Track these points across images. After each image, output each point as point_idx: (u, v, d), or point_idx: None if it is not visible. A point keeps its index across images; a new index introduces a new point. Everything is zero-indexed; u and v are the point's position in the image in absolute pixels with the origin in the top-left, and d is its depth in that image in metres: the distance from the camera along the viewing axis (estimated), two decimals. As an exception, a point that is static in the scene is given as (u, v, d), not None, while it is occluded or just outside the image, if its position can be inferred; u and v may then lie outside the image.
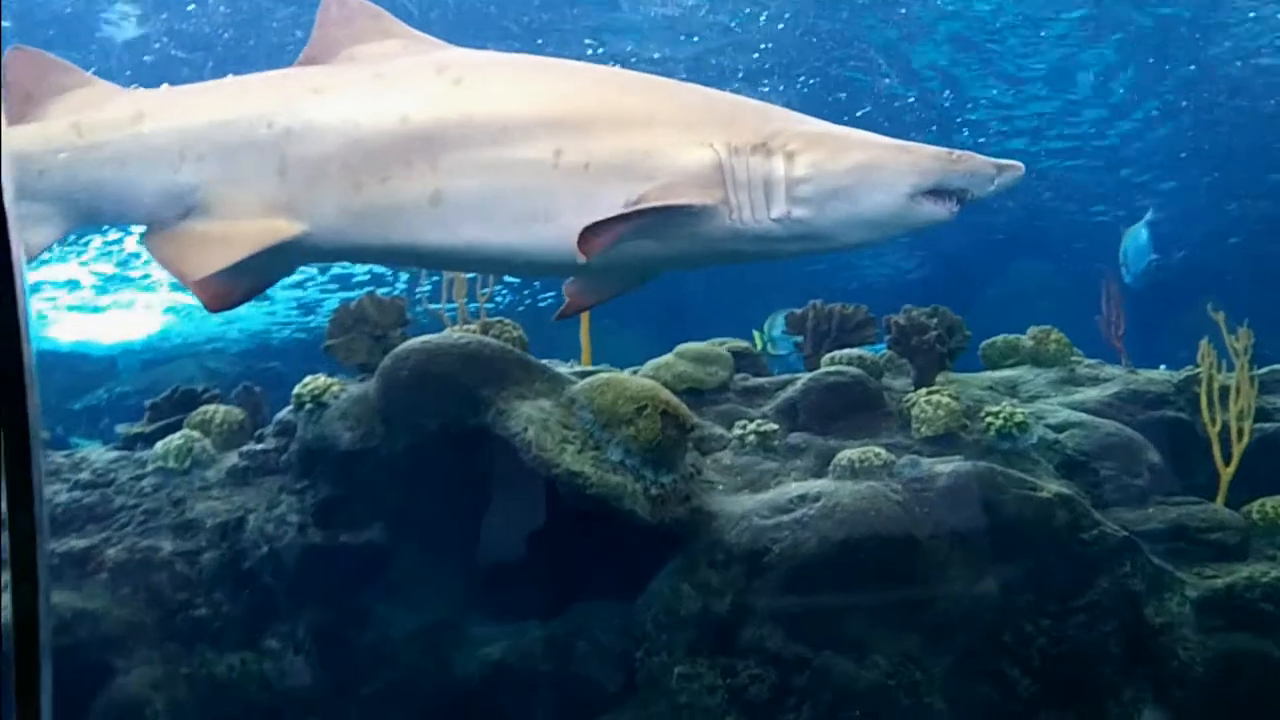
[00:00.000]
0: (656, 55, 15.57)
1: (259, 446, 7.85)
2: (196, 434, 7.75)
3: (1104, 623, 7.07)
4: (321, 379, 7.64)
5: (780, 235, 4.83)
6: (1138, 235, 18.92)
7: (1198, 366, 8.58)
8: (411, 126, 4.85)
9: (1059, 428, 8.10)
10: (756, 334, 13.37)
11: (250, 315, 28.54)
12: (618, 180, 4.71)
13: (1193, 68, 17.61)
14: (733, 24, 15.33)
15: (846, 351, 8.74)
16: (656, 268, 5.35)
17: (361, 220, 4.89)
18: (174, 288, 25.05)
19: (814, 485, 7.22)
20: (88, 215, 5.24)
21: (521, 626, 7.38)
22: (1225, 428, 8.14)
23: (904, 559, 6.95)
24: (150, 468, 7.60)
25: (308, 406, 7.58)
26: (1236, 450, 8.06)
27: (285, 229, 4.87)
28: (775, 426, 7.94)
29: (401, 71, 5.12)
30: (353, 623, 7.44)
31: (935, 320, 8.99)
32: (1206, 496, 7.97)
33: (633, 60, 15.41)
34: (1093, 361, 9.61)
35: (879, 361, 8.81)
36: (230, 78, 5.58)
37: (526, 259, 4.97)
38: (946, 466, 7.26)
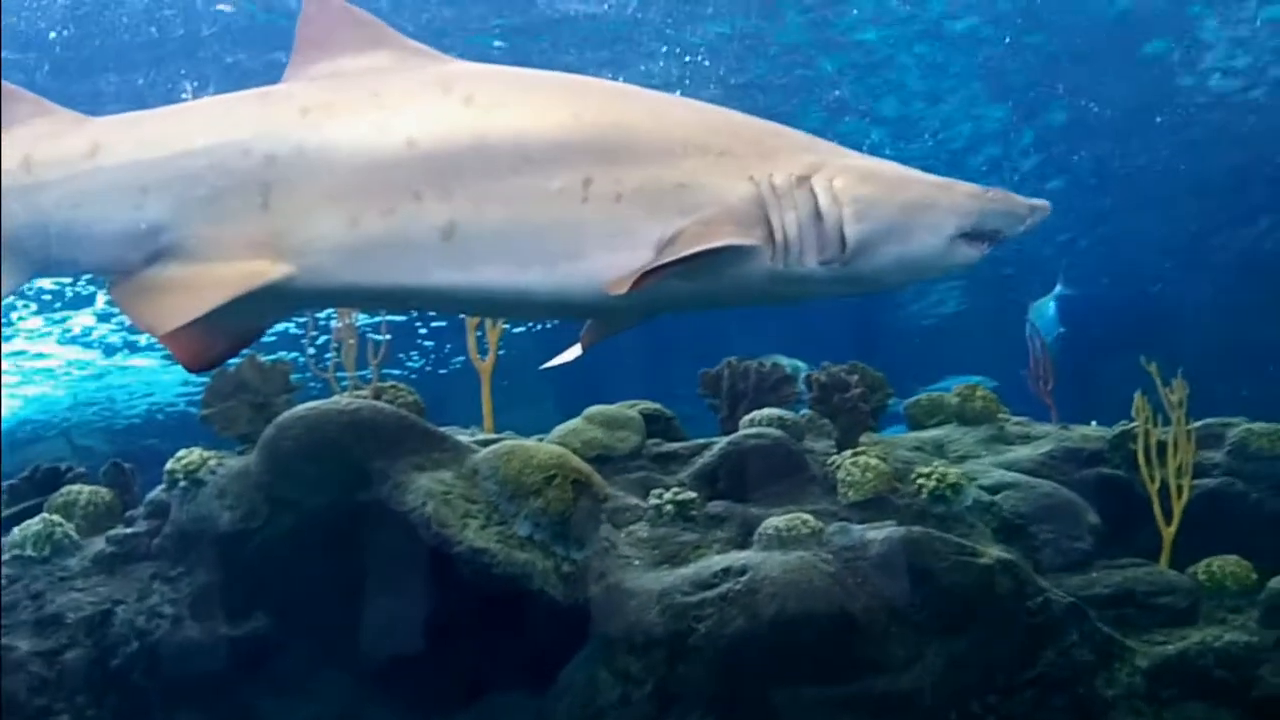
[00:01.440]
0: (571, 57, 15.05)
1: (128, 530, 7.20)
2: (58, 518, 7.08)
3: (1054, 697, 6.66)
4: (197, 453, 7.04)
5: (822, 278, 4.37)
6: (1045, 309, 18.83)
7: (1132, 421, 8.25)
8: (419, 152, 4.20)
9: (993, 489, 7.74)
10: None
11: (129, 386, 27.80)
12: (651, 214, 4.20)
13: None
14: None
15: (766, 412, 8.29)
16: (679, 309, 4.83)
17: (359, 259, 4.20)
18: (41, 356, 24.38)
19: (739, 557, 6.73)
20: (43, 265, 4.46)
21: (424, 723, 6.79)
22: (1164, 485, 7.78)
23: (840, 635, 6.46)
24: (5, 557, 6.88)
25: (182, 484, 6.97)
26: (1177, 508, 7.73)
27: (268, 271, 4.16)
28: (694, 494, 7.46)
29: (403, 88, 4.46)
30: (233, 723, 6.78)
31: (856, 377, 8.61)
32: (1149, 557, 7.65)
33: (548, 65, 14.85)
34: (1021, 419, 9.30)
35: (800, 422, 8.38)
36: (201, 99, 4.80)
37: (548, 300, 4.35)
38: (879, 533, 6.81)
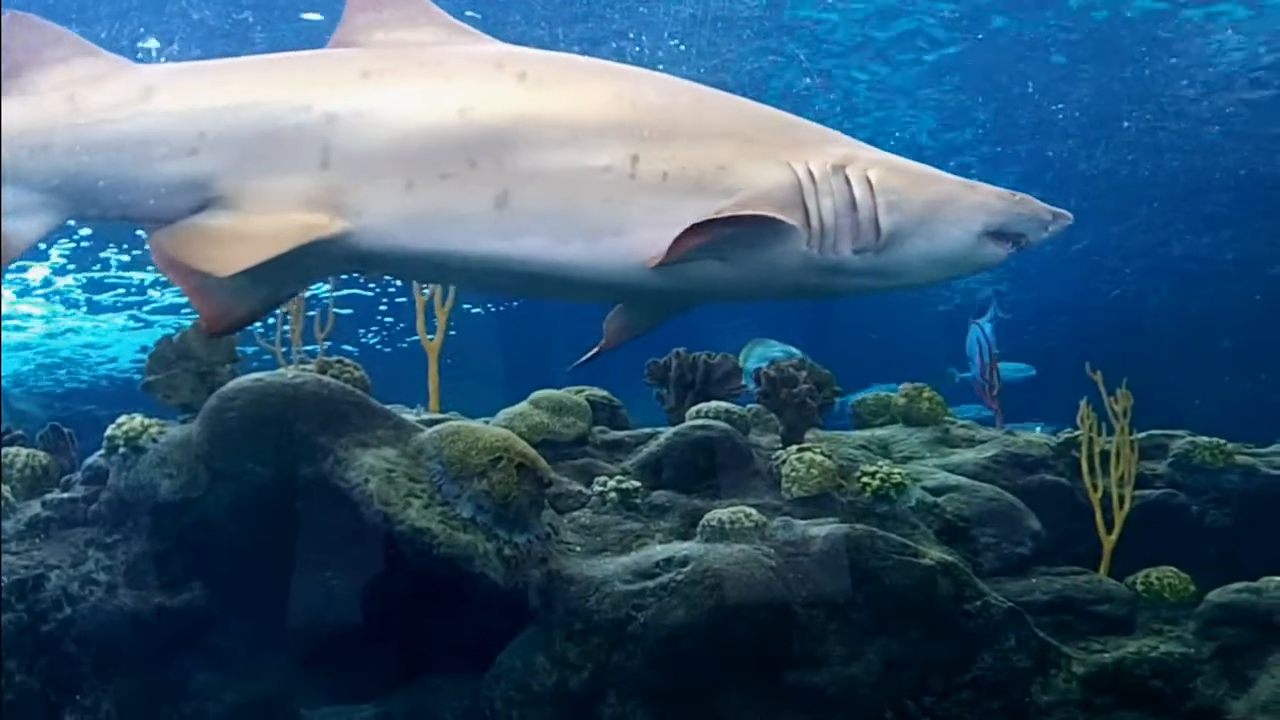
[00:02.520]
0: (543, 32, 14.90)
1: (65, 495, 7.10)
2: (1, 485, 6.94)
3: (990, 700, 6.68)
4: (138, 420, 6.92)
5: (852, 268, 4.46)
6: (978, 333, 18.82)
7: (1076, 429, 8.27)
8: (475, 121, 4.27)
9: (937, 490, 7.73)
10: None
11: (69, 352, 27.49)
12: (694, 195, 4.27)
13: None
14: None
15: (713, 404, 8.24)
16: (711, 297, 4.86)
17: (414, 222, 4.26)
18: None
19: (681, 548, 6.69)
20: (82, 206, 4.43)
21: (358, 704, 6.74)
22: (1106, 494, 7.81)
23: (779, 630, 6.46)
24: (-66, 517, 6.76)
25: (122, 450, 6.86)
26: (1119, 518, 7.75)
27: (326, 225, 4.20)
28: (638, 484, 7.41)
29: (458, 61, 4.55)
30: (166, 696, 6.73)
31: (805, 373, 8.59)
32: (1089, 566, 7.66)
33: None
34: (966, 421, 9.30)
35: (746, 416, 8.34)
36: (255, 57, 4.77)
37: (588, 276, 4.39)
38: (822, 530, 6.80)
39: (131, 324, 25.00)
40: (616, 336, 5.20)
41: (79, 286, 22.55)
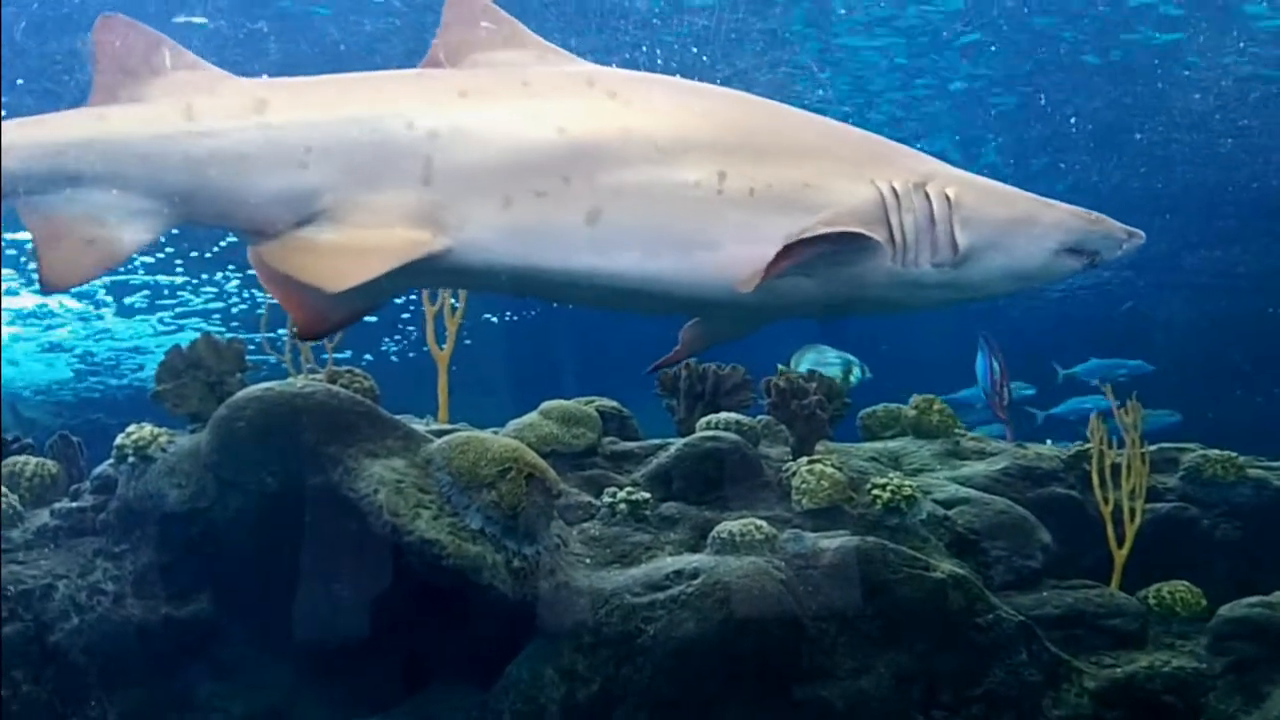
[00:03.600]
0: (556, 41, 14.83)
1: (74, 504, 7.07)
2: (2, 489, 6.92)
3: (1000, 714, 6.66)
4: (147, 429, 6.91)
5: (932, 282, 4.59)
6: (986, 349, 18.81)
7: (1087, 442, 8.23)
8: (569, 139, 4.37)
9: (947, 503, 7.70)
10: (781, 368, 12.80)
11: (78, 360, 27.55)
12: (781, 211, 4.38)
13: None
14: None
15: (724, 415, 8.21)
16: (794, 311, 4.93)
17: (510, 238, 4.35)
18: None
19: (691, 560, 6.67)
20: (189, 214, 4.46)
21: (364, 715, 6.69)
22: (1118, 507, 7.77)
23: (789, 643, 6.43)
24: (-56, 526, 6.74)
25: (130, 459, 6.84)
26: (1130, 531, 7.71)
27: (429, 242, 4.28)
28: (647, 495, 7.40)
29: (550, 81, 4.63)
30: (172, 706, 6.69)
31: (814, 384, 8.57)
32: (1099, 579, 7.63)
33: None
34: (976, 434, 9.27)
35: (756, 427, 8.31)
36: (359, 73, 4.84)
37: (678, 290, 4.49)
38: (832, 542, 6.78)
39: (161, 326, 25.11)
40: (692, 345, 5.31)
41: (103, 288, 22.64)
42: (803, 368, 12.55)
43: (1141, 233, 4.95)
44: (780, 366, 11.78)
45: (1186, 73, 16.17)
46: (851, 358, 13.09)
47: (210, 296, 23.18)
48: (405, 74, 4.76)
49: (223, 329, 24.11)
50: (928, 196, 4.53)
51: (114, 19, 4.61)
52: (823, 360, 12.86)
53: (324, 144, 4.35)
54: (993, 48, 15.63)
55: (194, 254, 20.82)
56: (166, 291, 22.98)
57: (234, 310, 23.66)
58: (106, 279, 21.69)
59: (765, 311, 4.87)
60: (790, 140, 4.65)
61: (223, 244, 20.13)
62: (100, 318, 24.35)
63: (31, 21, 13.46)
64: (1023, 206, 4.75)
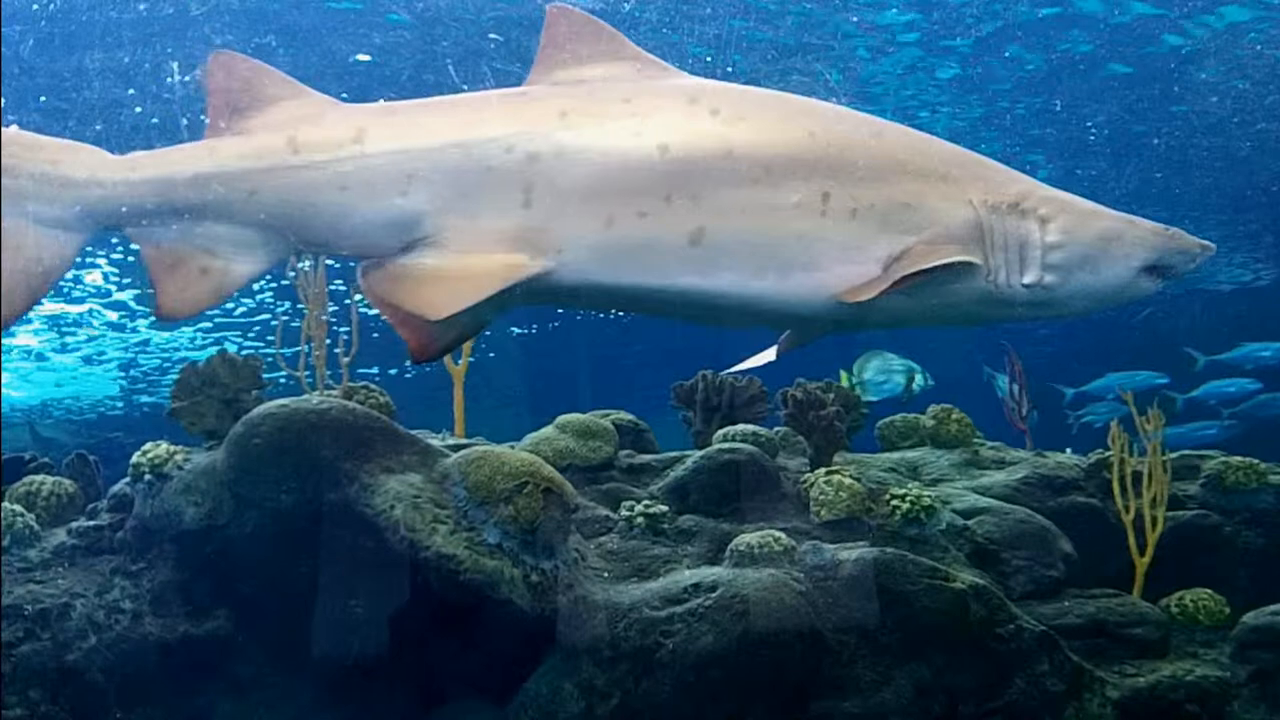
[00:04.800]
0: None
1: (90, 523, 7.05)
2: (19, 508, 6.91)
3: (1022, 727, 6.56)
4: (163, 447, 6.90)
5: (1023, 300, 4.71)
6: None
7: (1107, 450, 8.18)
8: (671, 159, 4.40)
9: (967, 513, 7.64)
10: (844, 375, 12.79)
11: (95, 380, 27.61)
12: (882, 231, 4.49)
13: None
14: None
15: (740, 427, 8.17)
16: (886, 325, 5.05)
17: (612, 259, 4.40)
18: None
19: (709, 573, 6.64)
20: (300, 242, 4.57)
21: (382, 732, 6.67)
22: (1139, 515, 7.71)
23: (808, 655, 6.40)
24: (-38, 546, 6.72)
25: (147, 478, 6.84)
26: (1151, 539, 7.65)
27: (529, 265, 4.34)
28: (665, 508, 7.36)
29: (652, 97, 4.66)
30: (190, 725, 6.65)
31: (832, 395, 8.53)
32: (1121, 588, 7.56)
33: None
34: (996, 444, 9.21)
35: (774, 439, 8.27)
36: (453, 96, 4.99)
37: (778, 308, 4.57)
38: (851, 553, 6.74)
39: (202, 339, 25.23)
40: (785, 349, 5.43)
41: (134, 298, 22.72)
42: (867, 375, 12.55)
43: (1213, 245, 5.00)
44: (841, 372, 11.80)
45: (1204, 76, 16.09)
46: (914, 365, 13.07)
47: (249, 309, 23.21)
48: (505, 95, 4.80)
49: (259, 344, 24.23)
50: (1022, 216, 4.62)
51: (224, 55, 4.74)
52: (887, 368, 12.85)
53: (425, 169, 4.42)
54: (1006, 54, 15.57)
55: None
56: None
57: (273, 324, 23.81)
58: (136, 290, 21.79)
59: (860, 326, 4.98)
60: (890, 159, 4.67)
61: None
62: (136, 330, 24.43)
63: (39, 39, 13.49)
64: (1109, 224, 4.80)
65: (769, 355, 5.50)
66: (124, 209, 4.35)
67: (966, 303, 4.70)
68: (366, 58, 14.38)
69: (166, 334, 24.97)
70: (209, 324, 24.38)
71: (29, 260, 4.31)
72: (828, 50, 15.35)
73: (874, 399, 12.62)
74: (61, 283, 20.89)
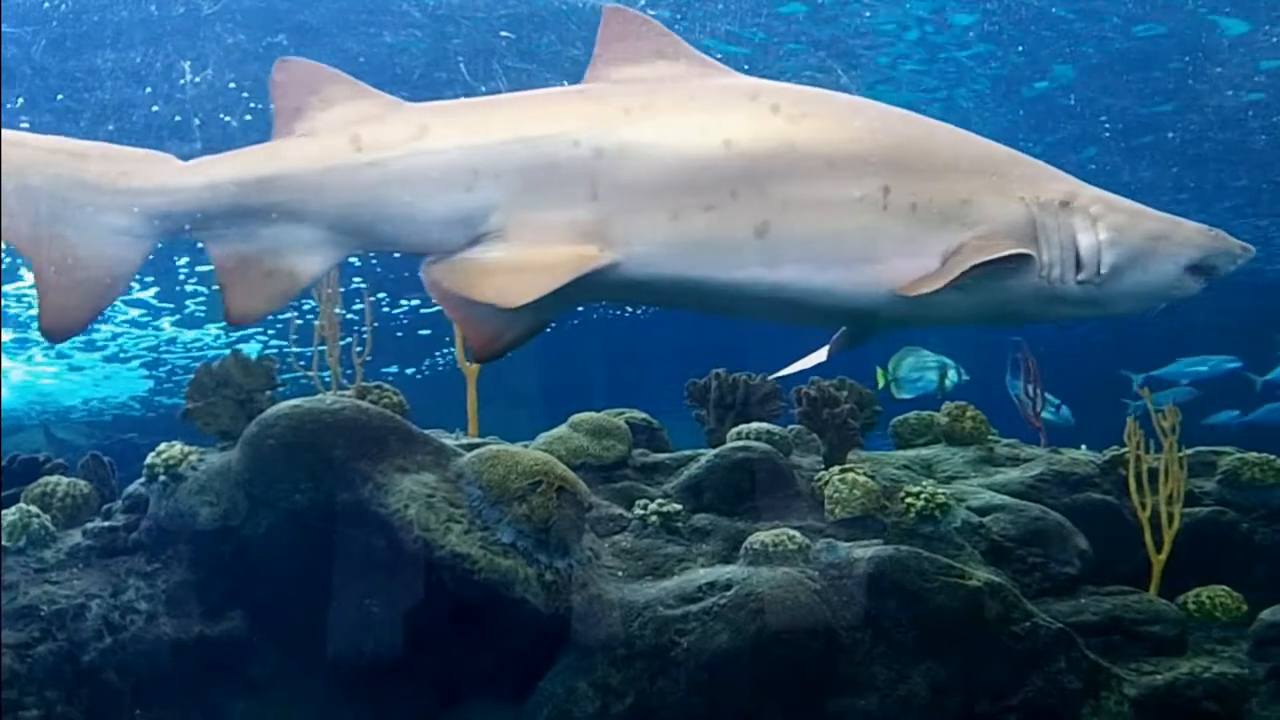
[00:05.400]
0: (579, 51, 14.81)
1: (106, 524, 7.03)
2: (35, 509, 6.90)
3: (1039, 725, 6.54)
4: (178, 447, 6.90)
5: (1072, 298, 4.80)
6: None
7: (1123, 447, 8.15)
8: (736, 153, 4.49)
9: (982, 510, 7.61)
10: (880, 372, 12.76)
11: (111, 381, 27.69)
12: (940, 226, 4.59)
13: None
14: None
15: (754, 425, 8.15)
16: (941, 322, 5.17)
17: (678, 251, 4.48)
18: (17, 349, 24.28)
19: (724, 571, 6.62)
20: (364, 241, 4.65)
21: (397, 732, 6.65)
22: (1155, 512, 7.68)
23: (824, 654, 6.38)
24: (-23, 547, 6.71)
25: (161, 478, 6.83)
26: (1167, 536, 7.62)
27: (599, 256, 4.41)
28: (679, 506, 7.34)
29: (714, 95, 4.76)
30: (206, 725, 6.65)
31: (845, 393, 8.52)
32: (1137, 585, 7.53)
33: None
34: (1010, 440, 9.18)
35: (788, 437, 8.25)
36: (515, 94, 5.06)
37: (840, 301, 4.66)
38: (866, 551, 6.71)
39: (227, 336, 25.30)
40: (836, 349, 5.55)
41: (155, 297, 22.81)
42: (902, 372, 12.52)
43: (1252, 247, 5.08)
44: (877, 369, 11.76)
45: (1219, 69, 16.02)
46: (948, 360, 13.04)
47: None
48: (567, 91, 4.95)
49: (283, 342, 24.31)
50: (1073, 213, 4.70)
51: (289, 61, 4.82)
52: (921, 364, 12.82)
53: (490, 165, 4.48)
54: (1020, 47, 15.52)
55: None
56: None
57: (298, 322, 23.90)
58: (158, 287, 21.89)
59: (914, 322, 5.10)
60: (946, 157, 4.78)
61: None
62: (159, 329, 24.50)
63: (51, 39, 13.50)
64: (1157, 223, 4.89)
65: (819, 356, 5.60)
66: (190, 214, 4.41)
67: (1019, 299, 4.78)
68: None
69: (193, 332, 25.06)
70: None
71: (98, 269, 4.37)
72: (839, 44, 15.35)
73: (909, 396, 12.62)
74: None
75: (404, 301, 24.61)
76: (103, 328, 24.31)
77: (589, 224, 4.43)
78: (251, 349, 23.91)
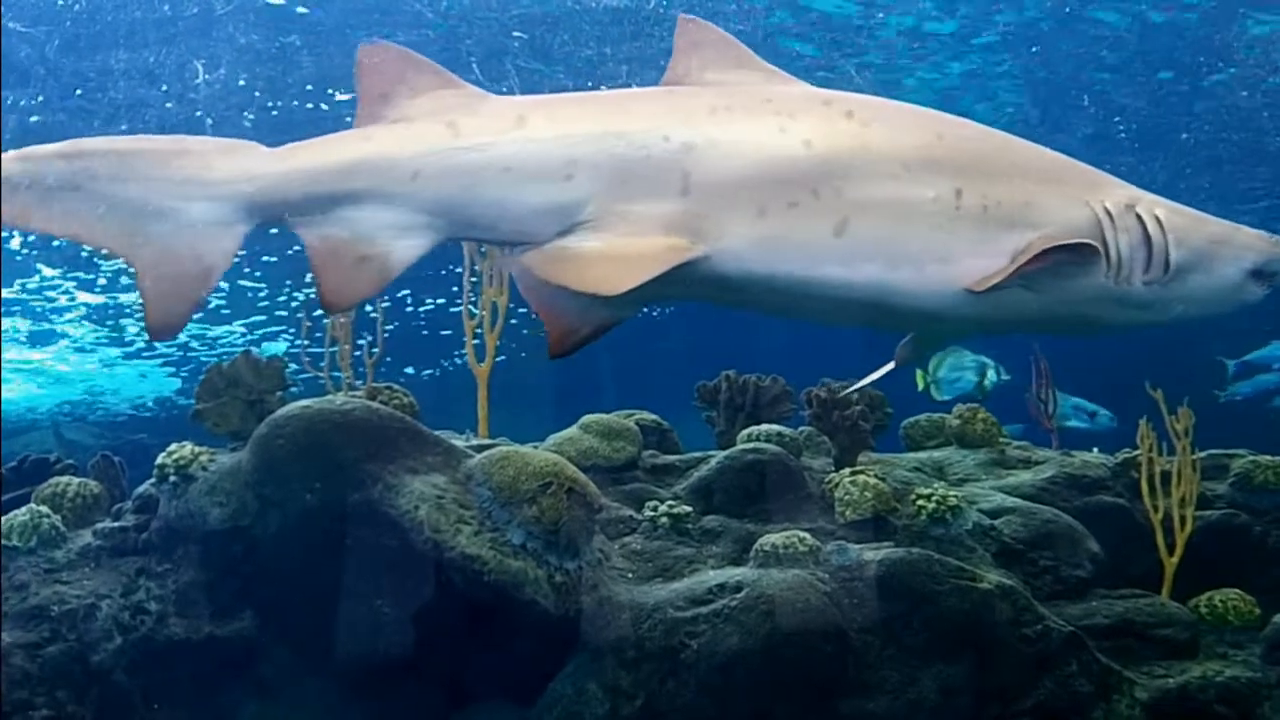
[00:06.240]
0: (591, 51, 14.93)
1: (116, 524, 7.06)
2: (45, 509, 6.92)
3: (1050, 728, 6.51)
4: (188, 448, 6.91)
5: (1139, 301, 4.88)
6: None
7: (1135, 449, 8.11)
8: (816, 153, 4.59)
9: (993, 513, 7.57)
10: (920, 374, 12.75)
11: (121, 381, 27.74)
12: (1009, 227, 4.67)
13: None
14: None
15: (765, 427, 8.14)
16: (1008, 326, 5.22)
17: (762, 247, 4.54)
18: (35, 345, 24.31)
19: (734, 573, 6.62)
20: (459, 227, 4.64)
21: (406, 734, 6.65)
22: (1167, 515, 7.65)
23: (834, 656, 6.36)
24: (-11, 546, 6.72)
25: (172, 479, 6.84)
26: (1180, 539, 7.58)
27: (691, 249, 4.46)
28: (689, 508, 7.34)
29: (790, 98, 4.84)
30: (215, 726, 6.66)
31: (856, 395, 8.49)
32: (1148, 588, 7.49)
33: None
34: (1022, 443, 9.14)
35: (798, 439, 8.23)
36: (597, 92, 5.17)
37: (912, 301, 4.71)
38: (877, 554, 6.70)
39: (251, 335, 25.44)
40: (903, 362, 5.64)
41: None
42: (941, 374, 12.48)
43: None
44: (917, 371, 11.72)
45: (1233, 70, 15.97)
46: (987, 360, 12.99)
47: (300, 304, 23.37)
48: (653, 90, 4.99)
49: (305, 341, 24.37)
50: (1139, 216, 4.78)
51: (375, 46, 4.81)
52: (960, 364, 12.77)
53: (587, 156, 4.52)
54: (1034, 48, 15.49)
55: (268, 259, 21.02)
56: (249, 295, 23.18)
57: (324, 321, 23.91)
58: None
59: (983, 325, 5.13)
60: (1014, 162, 4.90)
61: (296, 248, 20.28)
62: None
63: (65, 39, 13.53)
64: (1221, 229, 5.03)
65: (887, 368, 5.71)
66: (283, 200, 4.44)
67: (1085, 301, 4.83)
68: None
69: (220, 329, 25.14)
70: (262, 317, 24.51)
71: (194, 262, 4.40)
72: (857, 46, 15.33)
73: (948, 398, 12.57)
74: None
75: (428, 300, 24.66)
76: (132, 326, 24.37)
77: (679, 217, 4.49)
78: (278, 348, 24.01)
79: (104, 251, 4.50)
